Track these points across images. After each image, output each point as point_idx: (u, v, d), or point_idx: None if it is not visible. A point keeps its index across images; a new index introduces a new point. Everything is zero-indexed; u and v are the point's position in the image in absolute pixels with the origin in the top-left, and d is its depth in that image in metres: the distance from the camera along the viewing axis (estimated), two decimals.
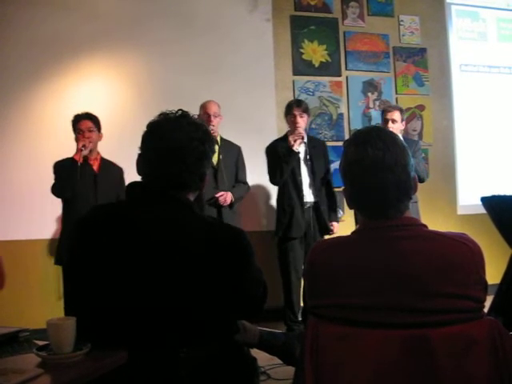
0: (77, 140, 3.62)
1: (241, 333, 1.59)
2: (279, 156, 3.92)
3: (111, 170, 3.72)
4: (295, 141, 3.90)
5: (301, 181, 4.00)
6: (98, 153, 3.73)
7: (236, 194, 3.93)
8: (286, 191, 4.02)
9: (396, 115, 4.14)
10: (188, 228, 1.46)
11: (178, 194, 1.50)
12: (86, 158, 3.59)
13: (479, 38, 5.72)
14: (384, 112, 4.24)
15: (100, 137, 3.71)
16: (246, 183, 4.09)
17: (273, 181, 4.03)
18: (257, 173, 4.22)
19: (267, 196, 4.73)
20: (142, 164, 1.56)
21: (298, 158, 4.00)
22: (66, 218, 3.63)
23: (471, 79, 5.63)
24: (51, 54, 4.31)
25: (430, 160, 5.32)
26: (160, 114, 1.57)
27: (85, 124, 3.62)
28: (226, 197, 3.82)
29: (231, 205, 3.90)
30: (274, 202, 4.61)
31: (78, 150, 3.53)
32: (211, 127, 3.75)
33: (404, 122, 4.29)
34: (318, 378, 1.22)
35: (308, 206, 4.01)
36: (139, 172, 1.59)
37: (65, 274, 1.56)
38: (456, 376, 1.16)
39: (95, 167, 3.66)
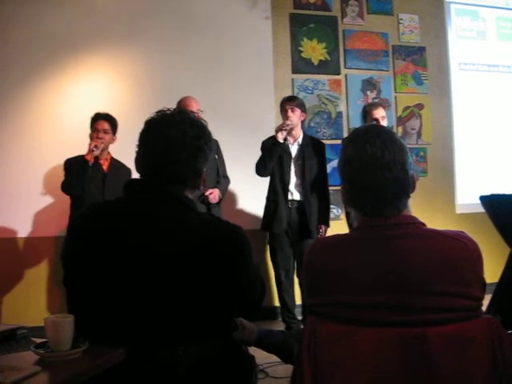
0: (91, 137, 3.67)
1: (239, 331, 1.59)
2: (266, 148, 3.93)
3: (120, 170, 3.76)
4: (280, 130, 3.87)
5: (288, 178, 3.97)
6: (109, 153, 3.79)
7: (222, 190, 3.93)
8: (272, 187, 4.01)
9: (382, 111, 4.04)
10: (186, 225, 1.46)
11: (175, 190, 1.50)
12: (96, 158, 3.64)
13: (478, 37, 5.72)
14: (369, 111, 4.05)
15: (113, 139, 3.77)
16: (226, 177, 4.10)
17: (257, 172, 3.99)
18: (254, 171, 4.22)
19: (264, 194, 4.72)
20: (138, 161, 1.57)
21: (290, 156, 3.98)
22: (71, 216, 3.60)
23: (470, 78, 5.63)
24: (50, 51, 4.31)
25: (428, 159, 5.32)
26: (157, 112, 1.58)
27: (101, 124, 3.70)
28: (215, 194, 3.83)
29: (219, 201, 3.91)
30: None
31: (90, 151, 3.58)
32: None
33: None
34: (316, 376, 1.22)
35: (294, 205, 3.98)
36: (138, 169, 1.59)
37: (64, 271, 1.55)
38: (454, 375, 1.16)
39: (105, 167, 3.72)
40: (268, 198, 4.06)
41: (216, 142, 3.97)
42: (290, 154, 3.99)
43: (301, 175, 3.99)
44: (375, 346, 1.18)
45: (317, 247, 1.38)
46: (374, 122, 3.96)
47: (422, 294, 1.20)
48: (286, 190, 3.97)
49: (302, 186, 3.98)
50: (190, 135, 1.51)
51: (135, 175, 1.65)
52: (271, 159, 3.90)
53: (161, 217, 1.47)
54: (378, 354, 1.18)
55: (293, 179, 4.00)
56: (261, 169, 3.94)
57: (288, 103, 4.01)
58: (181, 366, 1.41)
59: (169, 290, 1.40)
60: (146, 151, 1.54)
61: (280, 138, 3.87)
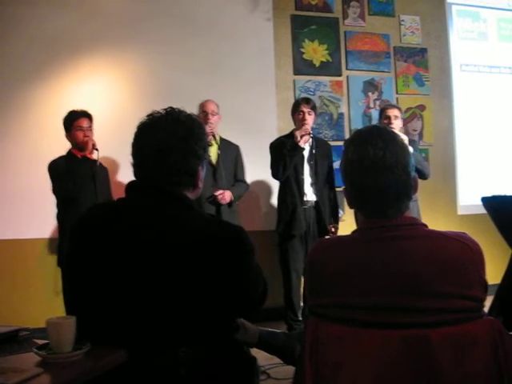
0: (73, 137, 3.56)
1: (241, 332, 1.59)
2: (283, 151, 3.91)
3: (102, 169, 3.71)
4: (302, 136, 3.90)
5: (303, 179, 4.00)
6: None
7: (235, 193, 3.94)
8: (288, 189, 4.02)
9: (396, 112, 4.14)
10: (187, 226, 1.46)
11: (174, 192, 1.50)
12: (84, 157, 3.55)
13: (480, 38, 5.72)
14: (384, 110, 4.22)
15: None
16: (245, 182, 4.10)
17: (275, 176, 4.02)
18: (257, 172, 4.22)
19: (267, 195, 4.73)
20: (134, 165, 1.56)
21: (302, 157, 4.02)
22: (67, 218, 3.51)
23: (472, 79, 5.63)
24: (51, 53, 4.31)
25: (430, 160, 5.31)
26: (148, 115, 1.57)
27: (85, 121, 3.58)
28: (224, 195, 3.84)
29: (230, 203, 3.91)
30: (273, 201, 4.60)
31: (91, 150, 3.50)
32: (209, 125, 3.78)
33: (402, 121, 4.28)
34: (317, 378, 1.22)
35: (309, 205, 4.02)
36: (134, 173, 1.59)
37: (64, 273, 1.55)
38: (456, 376, 1.16)
39: None
40: (284, 201, 4.04)
41: (237, 146, 4.01)
42: (302, 155, 4.02)
43: (314, 175, 4.03)
44: (377, 347, 1.18)
45: (319, 248, 1.38)
46: (386, 121, 4.10)
47: (424, 296, 1.19)
48: (301, 192, 3.99)
49: (316, 186, 4.02)
50: (177, 137, 1.50)
51: (127, 174, 1.64)
52: (291, 163, 3.92)
53: (162, 218, 1.47)
54: (380, 356, 1.18)
55: (307, 179, 4.03)
56: (280, 172, 3.94)
57: (305, 105, 4.03)
58: (182, 368, 1.41)
59: (170, 290, 1.40)
60: (137, 156, 1.55)
61: (303, 144, 3.90)
